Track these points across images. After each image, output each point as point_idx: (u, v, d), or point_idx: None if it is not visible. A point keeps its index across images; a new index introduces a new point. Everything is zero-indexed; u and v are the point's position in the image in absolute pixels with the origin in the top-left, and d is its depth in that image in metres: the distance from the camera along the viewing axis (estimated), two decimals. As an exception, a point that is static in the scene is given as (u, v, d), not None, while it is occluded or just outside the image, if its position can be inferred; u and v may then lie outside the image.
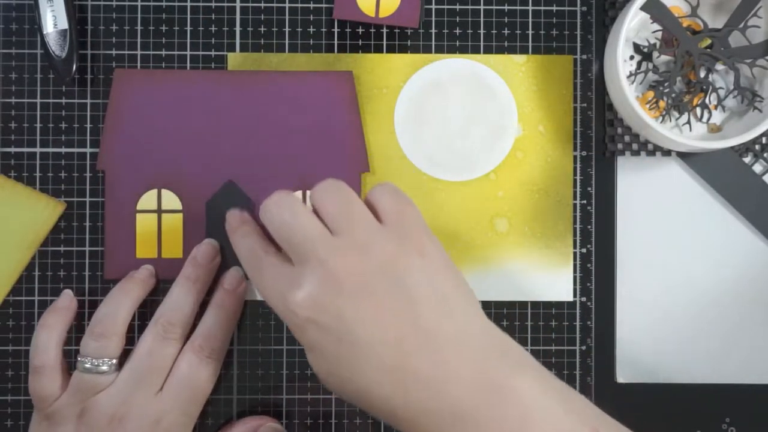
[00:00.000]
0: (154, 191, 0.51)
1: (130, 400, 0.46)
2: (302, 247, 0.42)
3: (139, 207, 0.51)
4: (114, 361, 0.47)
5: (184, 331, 0.48)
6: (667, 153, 0.52)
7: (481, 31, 0.53)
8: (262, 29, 0.52)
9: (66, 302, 0.50)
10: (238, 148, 0.51)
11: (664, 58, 0.51)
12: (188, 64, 0.52)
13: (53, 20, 0.50)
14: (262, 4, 0.53)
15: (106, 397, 0.47)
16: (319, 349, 0.42)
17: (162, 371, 0.47)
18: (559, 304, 0.53)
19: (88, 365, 0.47)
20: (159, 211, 0.51)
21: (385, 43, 0.53)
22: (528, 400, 0.40)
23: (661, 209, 0.53)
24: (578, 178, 0.53)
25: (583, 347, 0.53)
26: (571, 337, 0.53)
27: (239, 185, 0.52)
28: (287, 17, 0.53)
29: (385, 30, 0.53)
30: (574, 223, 0.53)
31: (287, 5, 0.53)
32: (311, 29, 0.53)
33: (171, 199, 0.51)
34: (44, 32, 0.50)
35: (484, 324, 0.43)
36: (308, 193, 0.51)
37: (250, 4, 0.52)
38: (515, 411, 0.40)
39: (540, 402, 0.40)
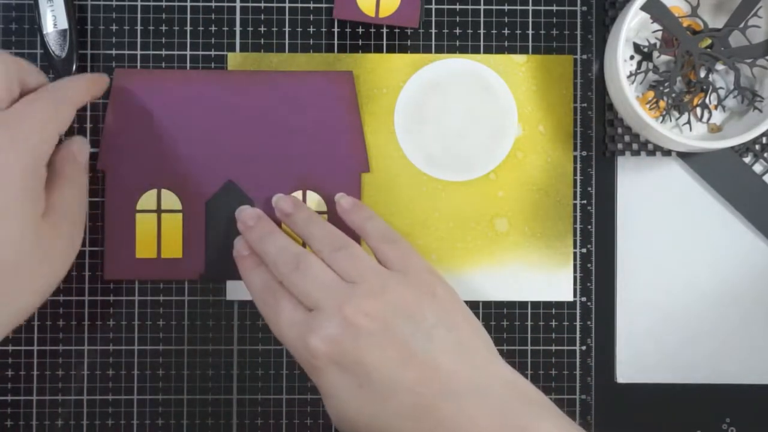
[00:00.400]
0: (154, 191, 0.51)
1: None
2: (317, 296, 0.44)
3: (138, 207, 0.51)
4: None
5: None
6: (667, 153, 0.52)
7: (481, 31, 0.53)
8: (262, 29, 0.52)
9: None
10: (238, 147, 0.51)
11: (664, 58, 0.51)
12: (188, 64, 0.52)
13: (53, 20, 0.50)
14: (262, 4, 0.53)
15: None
16: (337, 394, 0.42)
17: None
18: (559, 304, 0.53)
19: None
20: (159, 211, 0.51)
21: (385, 43, 0.53)
22: None
23: (661, 209, 0.53)
24: (578, 178, 0.53)
25: (583, 347, 0.53)
26: (571, 337, 0.53)
27: (239, 185, 0.51)
28: (287, 17, 0.53)
29: (385, 30, 0.53)
30: (574, 223, 0.53)
31: (287, 5, 0.53)
32: (311, 29, 0.53)
33: (171, 199, 0.51)
34: (44, 32, 0.50)
35: (503, 369, 0.43)
36: (308, 193, 0.51)
37: (250, 4, 0.52)
38: None
39: None
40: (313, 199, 0.52)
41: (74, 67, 0.50)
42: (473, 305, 0.50)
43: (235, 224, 0.51)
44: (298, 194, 0.51)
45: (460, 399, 0.41)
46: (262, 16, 0.52)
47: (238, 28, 0.52)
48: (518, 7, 0.53)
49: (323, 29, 0.53)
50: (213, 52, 0.52)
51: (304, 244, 0.48)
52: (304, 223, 0.49)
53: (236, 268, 0.49)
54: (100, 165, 0.51)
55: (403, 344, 0.42)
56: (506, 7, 0.53)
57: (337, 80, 0.52)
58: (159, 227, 0.51)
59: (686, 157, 0.53)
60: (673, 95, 0.50)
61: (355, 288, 0.43)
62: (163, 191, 0.51)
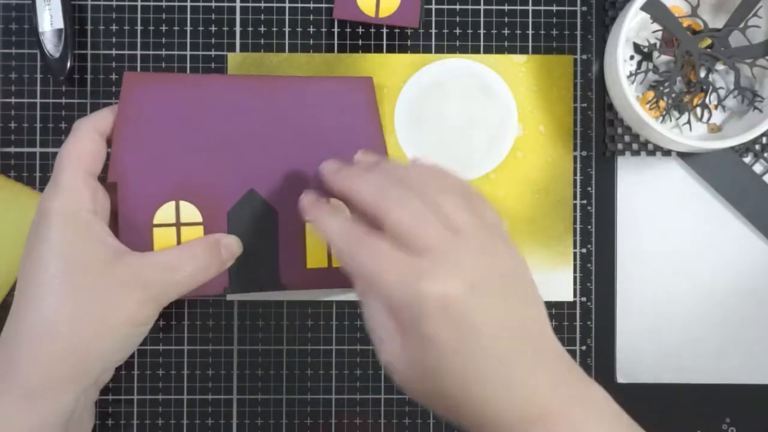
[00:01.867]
0: (172, 203, 0.48)
1: None
2: (428, 240, 0.41)
3: (156, 221, 0.48)
4: None
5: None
6: (667, 153, 0.52)
7: (481, 31, 0.53)
8: (262, 29, 0.52)
9: None
10: (258, 155, 0.49)
11: (664, 58, 0.51)
12: (188, 64, 0.52)
13: (50, 19, 0.50)
14: (262, 4, 0.53)
15: None
16: (437, 342, 0.40)
17: None
18: (559, 304, 0.53)
19: None
20: (177, 224, 0.49)
21: (385, 43, 0.53)
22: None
23: (661, 209, 0.53)
24: (578, 178, 0.53)
25: (583, 347, 0.53)
26: (571, 337, 0.53)
27: (261, 194, 0.50)
28: (287, 17, 0.53)
29: (385, 30, 0.53)
30: (574, 223, 0.53)
31: (287, 5, 0.53)
32: (311, 29, 0.53)
33: (190, 211, 0.49)
34: (40, 31, 0.50)
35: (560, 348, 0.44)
36: (331, 201, 0.49)
37: (250, 4, 0.52)
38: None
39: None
40: (336, 207, 0.50)
41: (68, 66, 0.50)
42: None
43: (258, 234, 0.49)
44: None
45: (552, 364, 0.42)
46: (262, 16, 0.52)
47: (238, 28, 0.52)
48: (518, 7, 0.53)
49: (323, 29, 0.53)
50: (213, 52, 0.52)
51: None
52: (396, 167, 0.45)
53: (264, 278, 0.49)
54: (111, 177, 0.47)
55: (511, 309, 0.41)
56: (506, 7, 0.53)
57: (356, 86, 0.51)
58: (179, 242, 0.48)
59: (686, 157, 0.53)
60: (673, 95, 0.50)
61: (467, 240, 0.42)
62: (182, 203, 0.48)
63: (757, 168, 0.53)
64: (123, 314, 0.44)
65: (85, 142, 0.46)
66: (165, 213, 0.48)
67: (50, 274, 0.43)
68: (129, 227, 0.48)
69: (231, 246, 0.48)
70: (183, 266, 0.45)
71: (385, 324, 0.42)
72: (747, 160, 0.53)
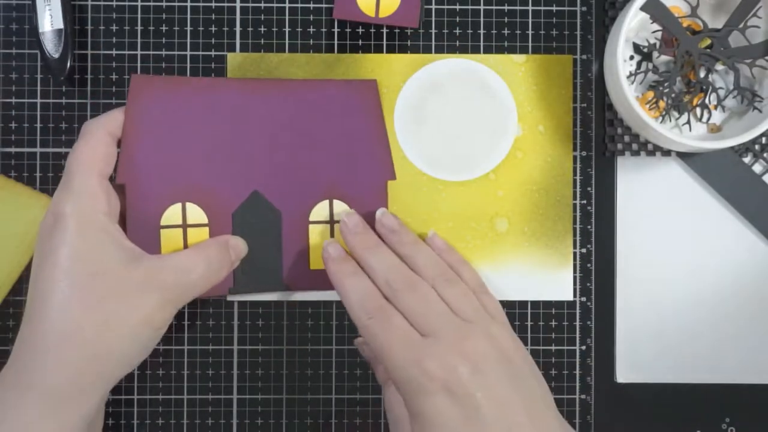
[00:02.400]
0: (179, 205, 0.49)
1: None
2: (436, 323, 0.45)
3: (163, 222, 0.49)
4: None
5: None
6: (667, 153, 0.52)
7: (481, 32, 0.53)
8: (262, 29, 0.52)
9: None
10: (263, 157, 0.50)
11: (664, 58, 0.51)
12: (188, 64, 0.52)
13: (50, 19, 0.50)
14: (262, 4, 0.53)
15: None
16: (442, 422, 0.43)
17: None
18: (559, 304, 0.53)
19: None
20: (184, 226, 0.49)
21: (385, 43, 0.53)
22: None
23: (661, 209, 0.53)
24: (578, 178, 0.53)
25: (583, 347, 0.53)
26: (571, 337, 0.53)
27: (265, 196, 0.50)
28: (287, 17, 0.53)
29: (385, 30, 0.53)
30: (574, 223, 0.53)
31: (287, 5, 0.53)
32: (311, 29, 0.53)
33: (196, 213, 0.49)
34: (41, 31, 0.50)
35: (563, 424, 0.46)
36: (335, 202, 0.51)
37: (250, 4, 0.52)
38: None
39: None
40: (340, 209, 0.51)
41: (68, 67, 0.50)
42: (473, 305, 0.50)
43: (262, 235, 0.50)
44: (325, 203, 0.51)
45: None
46: (262, 17, 0.52)
47: (238, 29, 0.52)
48: (518, 8, 0.53)
49: (323, 29, 0.53)
50: (213, 53, 0.52)
51: None
52: (411, 245, 0.49)
53: (267, 279, 0.50)
54: (119, 178, 0.48)
55: (508, 387, 0.43)
56: (506, 8, 0.53)
57: (361, 88, 0.51)
58: (185, 243, 0.49)
59: (686, 157, 0.53)
60: (673, 95, 0.50)
61: (470, 326, 0.45)
62: (188, 205, 0.49)
63: (757, 168, 0.53)
64: (143, 317, 0.44)
65: (97, 145, 0.46)
66: (172, 214, 0.49)
67: (71, 278, 0.43)
68: (137, 228, 0.48)
69: (238, 247, 0.49)
70: (197, 267, 0.46)
71: (397, 410, 0.46)
72: (747, 160, 0.53)
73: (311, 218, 0.51)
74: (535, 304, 0.53)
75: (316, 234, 0.51)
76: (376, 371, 0.51)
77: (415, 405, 0.43)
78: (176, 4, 0.52)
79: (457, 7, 0.53)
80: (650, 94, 0.51)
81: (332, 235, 0.51)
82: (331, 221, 0.51)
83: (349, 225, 0.49)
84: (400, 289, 0.46)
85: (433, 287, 0.47)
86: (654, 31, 0.51)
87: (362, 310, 0.46)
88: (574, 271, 0.53)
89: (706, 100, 0.51)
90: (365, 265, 0.48)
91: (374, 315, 0.45)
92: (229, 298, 0.52)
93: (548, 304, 0.53)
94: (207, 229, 0.50)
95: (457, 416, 0.43)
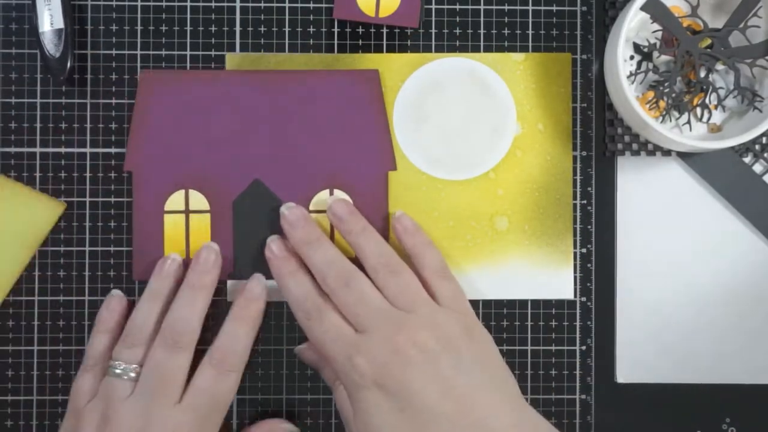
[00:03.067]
0: (182, 192, 0.51)
1: (149, 411, 0.46)
2: (368, 319, 0.46)
3: (167, 207, 0.51)
4: (132, 369, 0.48)
5: (192, 338, 0.49)
6: (667, 153, 0.52)
7: (481, 32, 0.53)
8: (262, 29, 0.52)
9: (118, 304, 0.50)
10: (265, 147, 0.51)
11: (664, 58, 0.51)
12: (188, 64, 0.52)
13: (50, 19, 0.50)
14: (262, 4, 0.53)
15: (126, 406, 0.47)
16: (376, 413, 0.44)
17: (176, 382, 0.47)
18: (559, 304, 0.53)
19: (118, 371, 0.47)
20: (187, 212, 0.51)
21: (385, 43, 0.53)
22: None
23: (661, 209, 0.53)
24: (578, 178, 0.53)
25: (583, 347, 0.53)
26: (571, 336, 0.53)
27: (266, 184, 0.52)
28: (287, 17, 0.53)
29: (385, 30, 0.53)
30: (574, 223, 0.53)
31: (287, 5, 0.53)
32: (311, 29, 0.53)
33: (198, 200, 0.51)
34: (40, 31, 0.50)
35: (537, 417, 0.46)
36: (335, 191, 0.52)
37: (250, 4, 0.52)
38: None
39: None
40: (341, 198, 0.52)
41: (68, 67, 0.50)
42: (474, 304, 0.50)
43: (262, 223, 0.51)
44: (325, 192, 0.52)
45: None
46: (262, 16, 0.52)
47: (237, 28, 0.52)
48: (518, 8, 0.53)
49: (323, 29, 0.53)
50: (213, 52, 0.52)
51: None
52: (358, 234, 0.49)
53: (266, 266, 0.50)
54: (127, 166, 0.51)
55: (445, 377, 0.44)
56: (506, 7, 0.53)
57: (362, 79, 0.52)
58: (187, 228, 0.51)
59: (686, 157, 0.53)
60: (673, 95, 0.50)
61: (407, 318, 0.46)
62: (191, 191, 0.51)
63: (757, 168, 0.53)
64: None
65: None
66: (175, 200, 0.51)
67: None
68: (142, 213, 0.51)
69: None
70: None
71: (346, 409, 0.46)
72: (747, 160, 0.53)
73: (311, 207, 0.52)
74: (535, 303, 0.53)
75: (316, 222, 0.51)
76: (323, 373, 0.51)
77: (353, 399, 0.45)
78: (176, 4, 0.52)
79: (457, 7, 0.53)
80: (650, 94, 0.51)
81: (331, 226, 0.51)
82: None
83: (289, 219, 0.50)
84: (336, 287, 0.47)
85: (374, 278, 0.47)
86: (654, 31, 0.51)
87: (301, 311, 0.48)
88: (575, 271, 0.53)
89: (707, 100, 0.51)
90: (306, 260, 0.49)
91: (312, 315, 0.47)
92: (230, 298, 0.52)
93: (548, 304, 0.53)
94: (209, 215, 0.51)
95: (391, 408, 0.44)
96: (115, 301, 0.50)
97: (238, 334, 0.49)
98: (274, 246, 0.50)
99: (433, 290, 0.48)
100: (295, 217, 0.50)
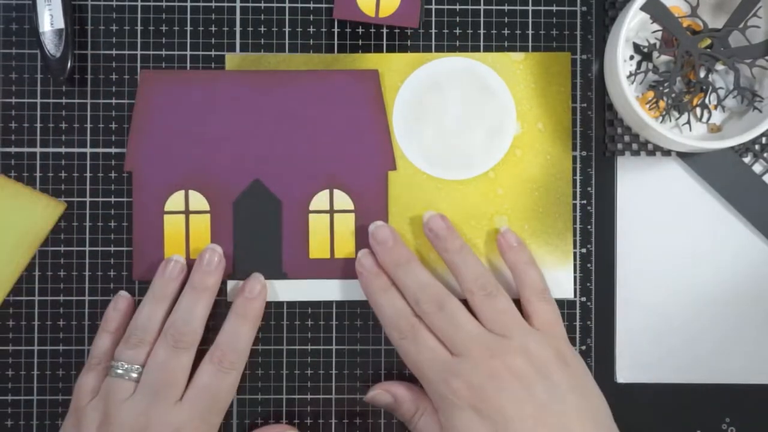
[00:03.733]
0: (182, 192, 0.51)
1: (150, 411, 0.47)
2: (463, 344, 0.47)
3: (167, 208, 0.51)
4: (134, 369, 0.48)
5: (194, 339, 0.49)
6: (667, 153, 0.52)
7: (481, 32, 0.53)
8: (262, 29, 0.52)
9: (125, 304, 0.50)
10: (265, 147, 0.51)
11: (664, 58, 0.51)
12: (188, 64, 0.52)
13: (50, 19, 0.50)
14: (262, 4, 0.53)
15: (127, 407, 0.47)
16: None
17: (177, 381, 0.48)
18: (559, 303, 0.53)
19: (120, 371, 0.48)
20: (186, 212, 0.52)
21: (385, 42, 0.53)
22: None
23: (661, 209, 0.53)
24: (578, 178, 0.53)
25: (583, 347, 0.53)
26: (571, 337, 0.53)
27: (266, 185, 0.52)
28: (287, 17, 0.53)
29: (385, 30, 0.53)
30: (574, 223, 0.53)
31: (287, 5, 0.53)
32: (311, 29, 0.53)
33: (198, 200, 0.51)
34: (41, 31, 0.50)
35: None
36: (335, 192, 0.51)
37: (250, 4, 0.52)
38: None
39: None
40: (341, 198, 0.52)
41: (68, 67, 0.50)
42: (473, 305, 0.50)
43: (262, 223, 0.51)
44: (325, 193, 0.52)
45: None
46: (262, 17, 0.53)
47: (237, 29, 0.52)
48: (518, 8, 0.53)
49: (323, 29, 0.53)
50: (213, 52, 0.52)
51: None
52: (455, 253, 0.49)
53: (266, 267, 0.51)
54: (127, 166, 0.51)
55: (539, 403, 0.45)
56: (506, 8, 0.53)
57: (362, 79, 0.52)
58: (187, 228, 0.51)
59: (686, 157, 0.53)
60: (673, 95, 0.50)
61: (501, 343, 0.46)
62: (191, 192, 0.51)
63: (757, 168, 0.53)
64: None
65: None
66: (175, 201, 0.51)
67: None
68: (142, 213, 0.51)
69: None
70: None
71: None
72: (747, 160, 0.53)
73: (311, 207, 0.52)
74: (535, 304, 0.53)
75: (316, 223, 0.52)
76: (398, 412, 0.50)
77: (447, 418, 0.46)
78: (176, 4, 0.52)
79: (457, 7, 0.53)
80: (650, 94, 0.51)
81: (332, 224, 0.52)
82: (331, 211, 0.52)
83: (378, 238, 0.50)
84: (430, 311, 0.48)
85: (470, 300, 0.48)
86: (654, 31, 0.51)
87: (395, 330, 0.48)
88: (574, 271, 0.53)
89: (706, 100, 0.51)
90: (397, 281, 0.49)
91: (406, 335, 0.48)
92: (230, 299, 0.52)
93: (548, 304, 0.53)
94: (208, 216, 0.51)
95: (485, 430, 0.44)
96: (122, 301, 0.51)
97: (239, 332, 0.49)
98: (365, 261, 0.50)
99: (530, 311, 0.49)
100: (384, 237, 0.50)
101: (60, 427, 0.49)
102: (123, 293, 0.51)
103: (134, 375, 0.48)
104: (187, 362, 0.48)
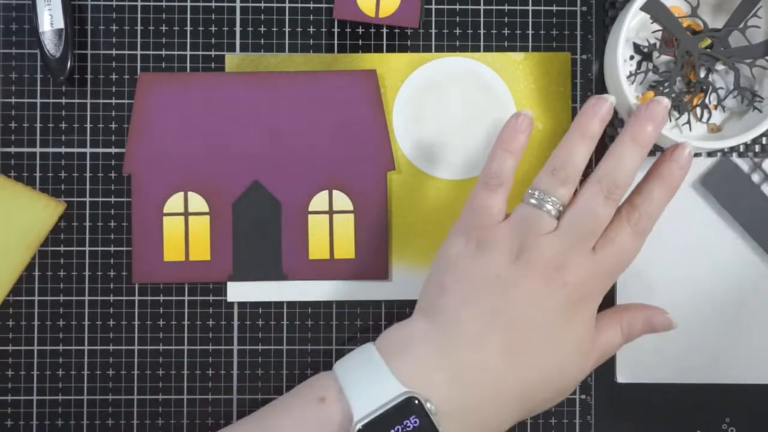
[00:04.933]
0: (181, 194, 0.51)
1: (568, 253, 0.45)
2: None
3: (166, 210, 0.51)
4: (559, 206, 0.46)
5: (622, 193, 0.46)
6: (667, 153, 0.52)
7: (481, 32, 0.53)
8: (262, 29, 0.52)
9: (527, 123, 0.47)
10: (264, 148, 0.52)
11: (664, 58, 0.51)
12: (188, 65, 0.52)
13: (50, 19, 0.50)
14: (262, 4, 0.53)
15: (548, 242, 0.45)
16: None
17: (597, 231, 0.46)
18: (559, 304, 0.53)
19: (549, 206, 0.45)
20: (186, 214, 0.52)
21: (385, 42, 0.53)
22: None
23: (661, 209, 0.53)
24: (578, 178, 0.53)
25: (583, 347, 0.53)
26: (571, 337, 0.53)
27: (265, 186, 0.52)
28: (287, 17, 0.53)
29: (385, 30, 0.53)
30: (575, 223, 0.53)
31: (287, 5, 0.53)
32: (311, 29, 0.53)
33: (197, 202, 0.52)
34: (40, 31, 0.50)
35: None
36: (334, 192, 0.52)
37: (250, 4, 0.52)
38: None
39: None
40: (340, 199, 0.52)
41: (68, 67, 0.50)
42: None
43: (262, 224, 0.51)
44: (325, 194, 0.52)
45: None
46: (262, 17, 0.53)
47: (237, 29, 0.52)
48: (518, 8, 0.53)
49: (323, 29, 0.53)
50: (213, 53, 0.52)
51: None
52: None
53: (267, 268, 0.51)
54: (126, 169, 0.51)
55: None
56: (506, 8, 0.53)
57: (361, 79, 0.52)
58: (186, 230, 0.52)
59: (686, 157, 0.53)
60: (673, 95, 0.50)
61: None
62: (190, 194, 0.52)
63: (755, 178, 0.53)
64: None
65: None
66: (174, 203, 0.51)
67: None
68: (141, 215, 0.51)
69: None
70: None
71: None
72: (746, 166, 0.52)
73: (311, 208, 0.52)
74: (535, 304, 0.53)
75: (315, 224, 0.52)
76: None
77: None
78: (176, 4, 0.52)
79: (457, 7, 0.53)
80: (650, 94, 0.51)
81: (332, 224, 0.52)
82: (331, 211, 0.52)
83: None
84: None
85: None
86: (654, 31, 0.51)
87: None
88: (574, 271, 0.53)
89: (706, 100, 0.51)
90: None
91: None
92: (230, 299, 0.52)
93: (548, 304, 0.53)
94: (208, 218, 0.52)
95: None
96: (523, 120, 0.47)
97: (662, 199, 0.47)
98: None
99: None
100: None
101: (444, 245, 0.48)
102: (525, 111, 0.48)
103: (559, 211, 0.46)
104: (610, 214, 0.46)
